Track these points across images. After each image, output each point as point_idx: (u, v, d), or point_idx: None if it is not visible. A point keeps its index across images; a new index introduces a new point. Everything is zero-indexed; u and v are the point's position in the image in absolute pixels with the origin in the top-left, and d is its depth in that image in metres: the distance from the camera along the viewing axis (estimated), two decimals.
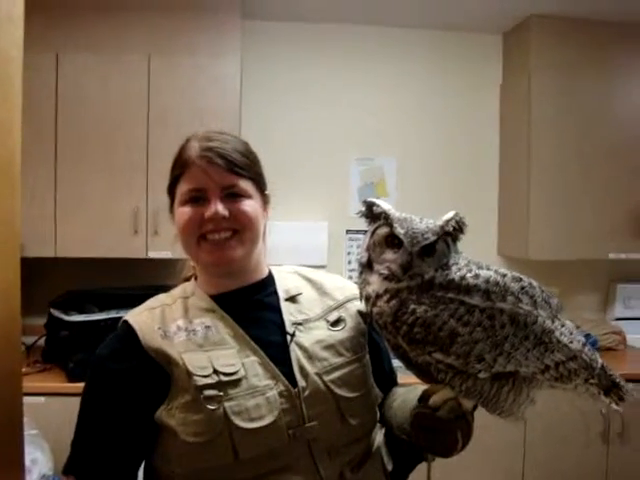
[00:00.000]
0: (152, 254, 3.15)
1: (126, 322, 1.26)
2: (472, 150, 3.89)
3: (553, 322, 1.13)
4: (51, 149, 3.16)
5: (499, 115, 3.91)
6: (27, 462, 2.42)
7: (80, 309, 3.04)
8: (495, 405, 1.13)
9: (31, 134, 3.11)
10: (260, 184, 1.33)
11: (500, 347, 1.07)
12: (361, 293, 1.18)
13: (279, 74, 3.75)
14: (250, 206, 1.27)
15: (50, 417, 2.70)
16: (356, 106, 3.79)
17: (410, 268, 1.10)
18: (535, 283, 1.16)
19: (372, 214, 1.17)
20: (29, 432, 2.55)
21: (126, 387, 1.20)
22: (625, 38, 3.58)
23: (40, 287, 3.33)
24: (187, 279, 1.41)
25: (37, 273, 3.38)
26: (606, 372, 1.17)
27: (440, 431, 1.16)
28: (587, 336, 3.39)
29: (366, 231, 1.20)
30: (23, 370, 3.01)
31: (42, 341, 3.26)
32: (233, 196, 1.26)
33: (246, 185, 1.28)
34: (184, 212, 1.26)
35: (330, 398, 1.24)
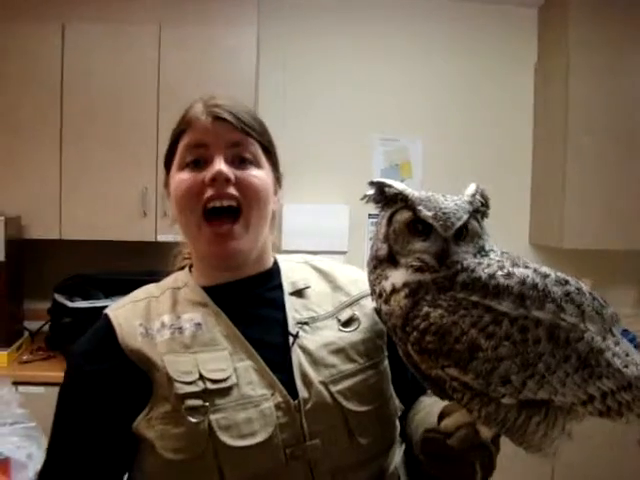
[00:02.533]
0: (161, 237, 3.08)
1: (106, 315, 1.12)
2: (503, 131, 3.74)
3: (604, 340, 0.92)
4: (56, 125, 3.08)
5: (533, 96, 3.75)
6: (22, 457, 2.30)
7: (85, 295, 2.97)
8: (521, 437, 0.93)
9: (35, 109, 3.08)
10: (273, 155, 1.17)
11: (532, 368, 0.88)
12: (373, 290, 1.00)
13: (298, 47, 3.59)
14: (259, 176, 1.11)
15: (49, 409, 2.55)
16: (380, 83, 3.65)
17: (447, 256, 0.92)
18: (585, 288, 0.95)
19: (385, 197, 0.99)
20: (27, 425, 2.42)
21: (102, 392, 1.06)
22: None
23: (45, 270, 3.32)
24: (183, 267, 1.24)
25: (41, 256, 3.34)
26: None
27: (453, 461, 0.98)
28: (625, 332, 3.20)
29: (376, 218, 1.02)
30: (25, 358, 2.94)
31: (48, 327, 3.18)
32: (241, 162, 1.10)
33: (256, 150, 1.12)
34: (182, 179, 1.10)
35: (337, 412, 1.06)
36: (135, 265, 3.06)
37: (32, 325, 3.25)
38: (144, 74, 3.07)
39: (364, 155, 3.63)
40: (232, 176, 1.07)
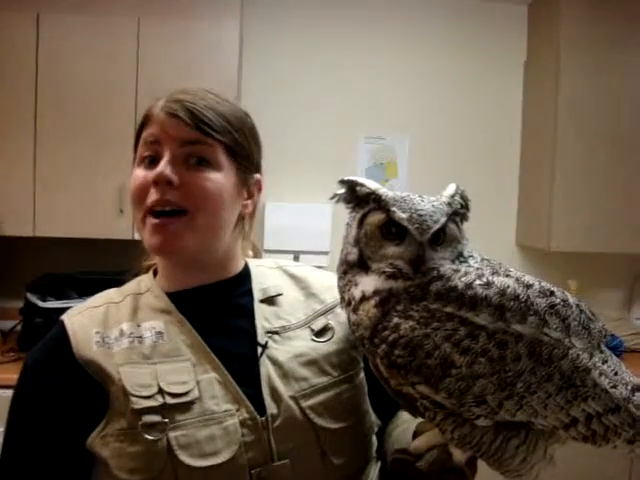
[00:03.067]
0: (139, 236, 2.91)
1: (62, 322, 1.04)
2: (491, 130, 3.69)
3: (591, 357, 0.85)
4: (30, 119, 2.99)
5: (522, 95, 3.70)
6: None
7: (58, 294, 2.90)
8: (498, 462, 0.87)
9: (8, 102, 3.00)
10: (240, 157, 1.07)
11: (510, 388, 0.81)
12: (342, 297, 0.92)
13: (282, 41, 3.53)
14: (214, 180, 1.02)
15: None
16: (366, 81, 3.59)
17: (423, 262, 0.85)
18: (572, 300, 0.88)
19: (356, 197, 0.92)
20: None
21: (54, 406, 0.99)
22: None
23: (18, 268, 3.26)
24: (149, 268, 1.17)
25: (15, 253, 3.27)
26: None
27: None
28: (612, 337, 3.15)
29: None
30: None
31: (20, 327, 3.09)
32: (198, 163, 1.02)
33: (216, 151, 1.03)
34: (135, 176, 1.04)
35: (308, 429, 0.99)
36: (111, 264, 2.92)
37: (5, 325, 3.15)
38: (122, 68, 2.99)
39: (349, 154, 3.57)
40: (175, 179, 0.99)
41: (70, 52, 2.97)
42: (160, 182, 0.98)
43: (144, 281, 1.11)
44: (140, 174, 1.02)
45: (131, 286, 1.11)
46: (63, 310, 2.82)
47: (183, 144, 1.00)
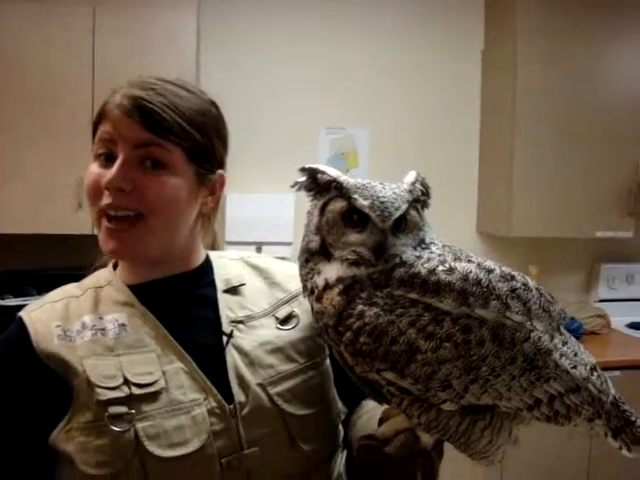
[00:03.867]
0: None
1: (20, 319, 1.02)
2: (450, 119, 3.69)
3: (552, 339, 0.87)
4: None
5: (480, 83, 3.71)
6: None
7: (17, 292, 2.86)
8: (465, 444, 0.88)
9: None
10: (200, 159, 1.03)
11: (475, 371, 0.82)
12: (305, 286, 0.92)
13: (241, 32, 3.47)
14: (169, 185, 0.99)
15: None
16: (326, 70, 3.57)
17: (385, 249, 0.85)
18: (532, 283, 0.89)
19: (317, 184, 0.92)
20: None
21: (14, 403, 0.96)
22: None
23: None
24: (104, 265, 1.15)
25: None
26: (619, 408, 0.93)
27: (391, 469, 0.92)
28: (571, 320, 3.22)
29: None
30: None
31: None
32: (154, 167, 0.98)
33: (172, 153, 0.99)
34: (90, 172, 1.01)
35: (276, 417, 0.99)
36: (71, 260, 2.87)
37: None
38: (78, 59, 2.91)
39: (309, 144, 3.55)
40: (126, 186, 0.96)
41: (25, 42, 2.88)
42: (111, 189, 0.96)
43: (103, 274, 1.10)
44: (94, 171, 0.99)
45: (90, 280, 1.10)
46: (22, 308, 2.79)
47: (136, 146, 0.97)
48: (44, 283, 2.73)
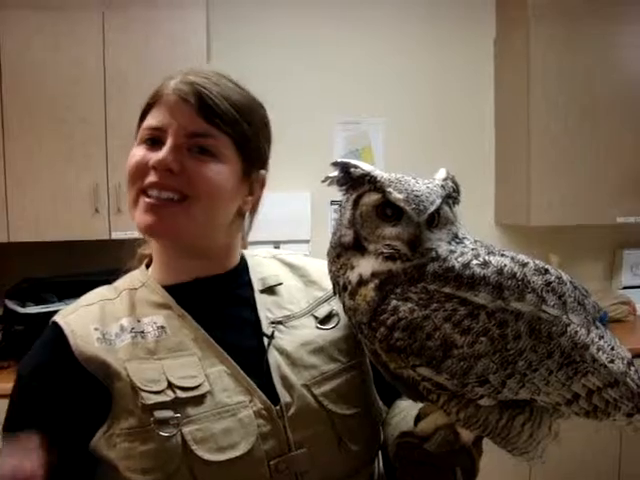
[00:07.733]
0: (116, 234, 2.95)
1: (55, 324, 1.00)
2: (465, 111, 3.66)
3: (589, 332, 0.85)
4: None
5: (493, 72, 3.67)
6: None
7: (38, 299, 2.83)
8: (505, 440, 0.87)
9: None
10: (247, 151, 1.04)
11: (512, 366, 0.81)
12: (336, 282, 0.91)
13: (251, 28, 3.45)
14: (216, 171, 0.99)
15: None
16: (339, 65, 3.53)
17: (420, 243, 0.84)
18: (565, 277, 0.88)
19: (350, 179, 0.91)
20: None
21: (55, 410, 0.95)
22: None
23: None
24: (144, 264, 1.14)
25: None
26: None
27: (431, 467, 0.91)
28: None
29: (340, 202, 0.94)
30: None
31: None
32: (202, 152, 0.99)
33: (222, 143, 1.00)
34: (132, 154, 1.01)
35: (323, 417, 0.98)
36: (90, 265, 2.90)
37: None
38: (89, 63, 2.91)
39: (323, 141, 3.52)
40: (176, 167, 0.96)
41: (34, 50, 2.88)
42: (159, 168, 0.96)
43: (136, 276, 1.09)
44: (139, 153, 0.99)
45: (124, 282, 1.09)
46: (44, 315, 2.79)
47: (190, 135, 0.97)
48: (64, 289, 2.77)
